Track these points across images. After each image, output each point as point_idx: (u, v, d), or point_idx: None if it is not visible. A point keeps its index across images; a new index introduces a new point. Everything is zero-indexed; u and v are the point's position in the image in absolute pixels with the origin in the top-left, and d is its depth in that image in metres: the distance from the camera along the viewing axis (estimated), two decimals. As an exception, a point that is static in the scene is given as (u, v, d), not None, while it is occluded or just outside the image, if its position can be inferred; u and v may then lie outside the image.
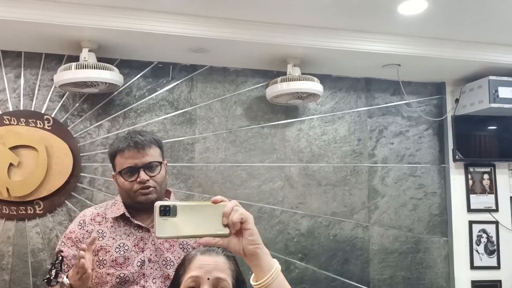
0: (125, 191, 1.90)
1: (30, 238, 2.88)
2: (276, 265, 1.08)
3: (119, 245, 1.86)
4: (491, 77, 3.26)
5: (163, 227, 1.02)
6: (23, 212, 2.86)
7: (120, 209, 1.91)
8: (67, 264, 1.85)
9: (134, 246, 1.87)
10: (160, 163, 1.91)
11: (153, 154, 1.89)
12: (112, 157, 1.93)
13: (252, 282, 1.08)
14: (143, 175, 1.85)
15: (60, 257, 1.85)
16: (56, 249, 1.91)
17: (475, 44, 3.09)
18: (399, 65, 3.23)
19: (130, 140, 1.88)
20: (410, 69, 3.34)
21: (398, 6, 2.54)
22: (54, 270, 1.83)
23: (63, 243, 1.89)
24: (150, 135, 1.95)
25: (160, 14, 2.61)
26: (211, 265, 1.27)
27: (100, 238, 1.87)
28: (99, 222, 1.91)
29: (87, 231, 1.88)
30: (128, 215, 1.89)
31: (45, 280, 1.84)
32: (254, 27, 2.76)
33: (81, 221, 1.92)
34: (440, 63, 3.21)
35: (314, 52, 3.00)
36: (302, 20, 2.75)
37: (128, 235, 1.88)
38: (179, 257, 1.82)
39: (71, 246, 1.87)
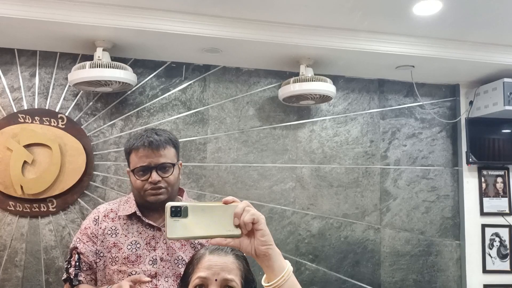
0: (137, 189, 1.90)
1: (43, 235, 2.91)
2: (288, 266, 1.06)
3: (131, 243, 1.86)
4: (506, 79, 3.23)
5: (174, 228, 1.01)
6: (36, 209, 2.89)
7: (132, 207, 1.91)
8: (84, 261, 1.86)
9: (146, 244, 1.87)
10: (174, 164, 1.90)
11: (167, 155, 1.87)
12: (127, 153, 1.93)
13: (263, 283, 1.07)
14: (155, 176, 1.84)
15: (77, 255, 1.85)
16: (71, 246, 1.91)
17: (490, 46, 3.06)
18: (413, 66, 3.21)
19: (145, 138, 1.86)
20: (424, 71, 3.31)
21: (413, 7, 2.52)
22: (73, 269, 1.83)
23: (78, 239, 1.89)
24: (166, 134, 1.93)
25: (174, 14, 2.62)
26: (219, 265, 1.27)
27: (113, 235, 1.88)
28: (112, 219, 1.91)
29: (100, 227, 1.89)
30: (140, 214, 1.89)
31: (64, 279, 1.84)
32: (267, 27, 2.75)
33: (96, 217, 1.92)
34: (455, 64, 3.18)
35: (327, 53, 2.98)
36: (316, 20, 2.74)
37: (140, 233, 1.89)
38: (190, 256, 1.82)
39: (87, 241, 1.88)
